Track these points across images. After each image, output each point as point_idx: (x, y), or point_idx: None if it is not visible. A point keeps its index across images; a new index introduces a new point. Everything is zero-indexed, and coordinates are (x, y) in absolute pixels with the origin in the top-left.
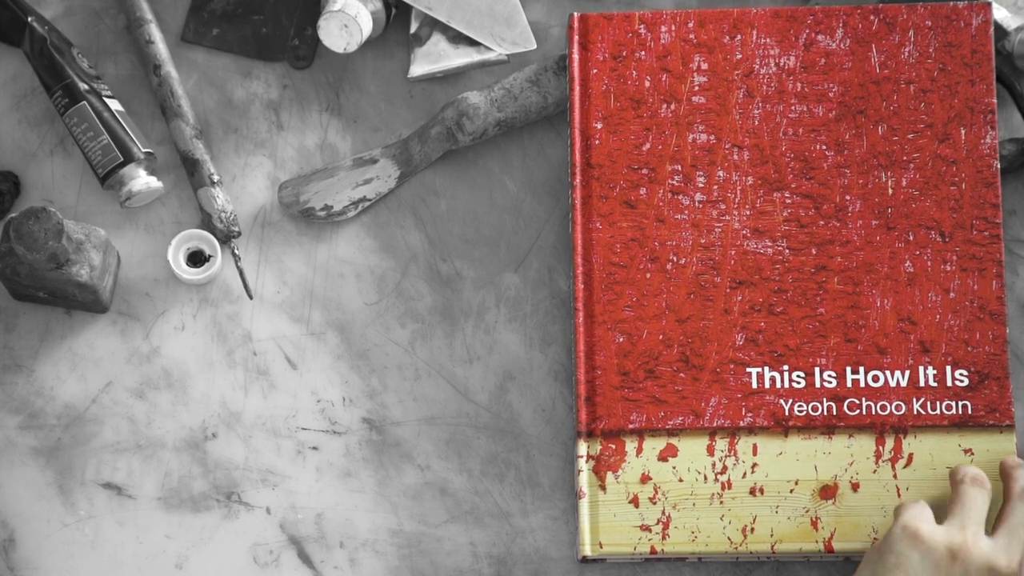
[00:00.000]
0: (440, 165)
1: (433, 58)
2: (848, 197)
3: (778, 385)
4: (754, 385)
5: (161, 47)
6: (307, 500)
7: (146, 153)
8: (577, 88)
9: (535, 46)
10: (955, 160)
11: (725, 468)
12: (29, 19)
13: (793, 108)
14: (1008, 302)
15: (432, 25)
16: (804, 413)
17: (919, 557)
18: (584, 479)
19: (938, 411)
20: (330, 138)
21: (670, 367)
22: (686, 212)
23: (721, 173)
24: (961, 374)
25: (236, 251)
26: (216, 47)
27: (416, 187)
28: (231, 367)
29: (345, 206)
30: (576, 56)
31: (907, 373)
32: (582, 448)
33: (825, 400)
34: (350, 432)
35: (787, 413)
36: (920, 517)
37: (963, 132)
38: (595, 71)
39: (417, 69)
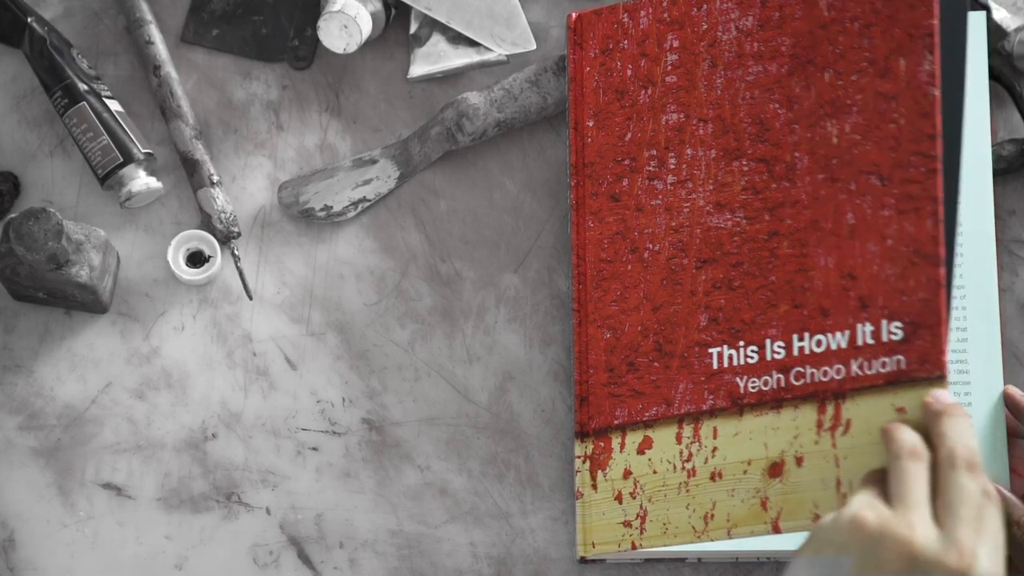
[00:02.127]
0: (440, 165)
1: (433, 59)
2: (797, 154)
3: (735, 363)
4: (715, 366)
5: (161, 48)
6: (307, 501)
7: (146, 154)
8: (574, 87)
9: (535, 47)
10: (895, 95)
11: (691, 455)
12: (29, 20)
13: (751, 70)
14: (1007, 302)
15: (432, 26)
16: (756, 389)
17: (863, 548)
18: (580, 480)
19: (874, 370)
20: (330, 139)
21: (646, 357)
22: (660, 197)
23: (689, 151)
24: (896, 327)
25: (236, 252)
26: (216, 48)
27: (416, 188)
28: (231, 368)
29: (345, 206)
30: (574, 56)
31: (847, 334)
32: (579, 448)
33: (774, 372)
34: (350, 433)
35: (742, 391)
36: (866, 503)
37: (902, 63)
38: (587, 69)
39: (417, 70)
